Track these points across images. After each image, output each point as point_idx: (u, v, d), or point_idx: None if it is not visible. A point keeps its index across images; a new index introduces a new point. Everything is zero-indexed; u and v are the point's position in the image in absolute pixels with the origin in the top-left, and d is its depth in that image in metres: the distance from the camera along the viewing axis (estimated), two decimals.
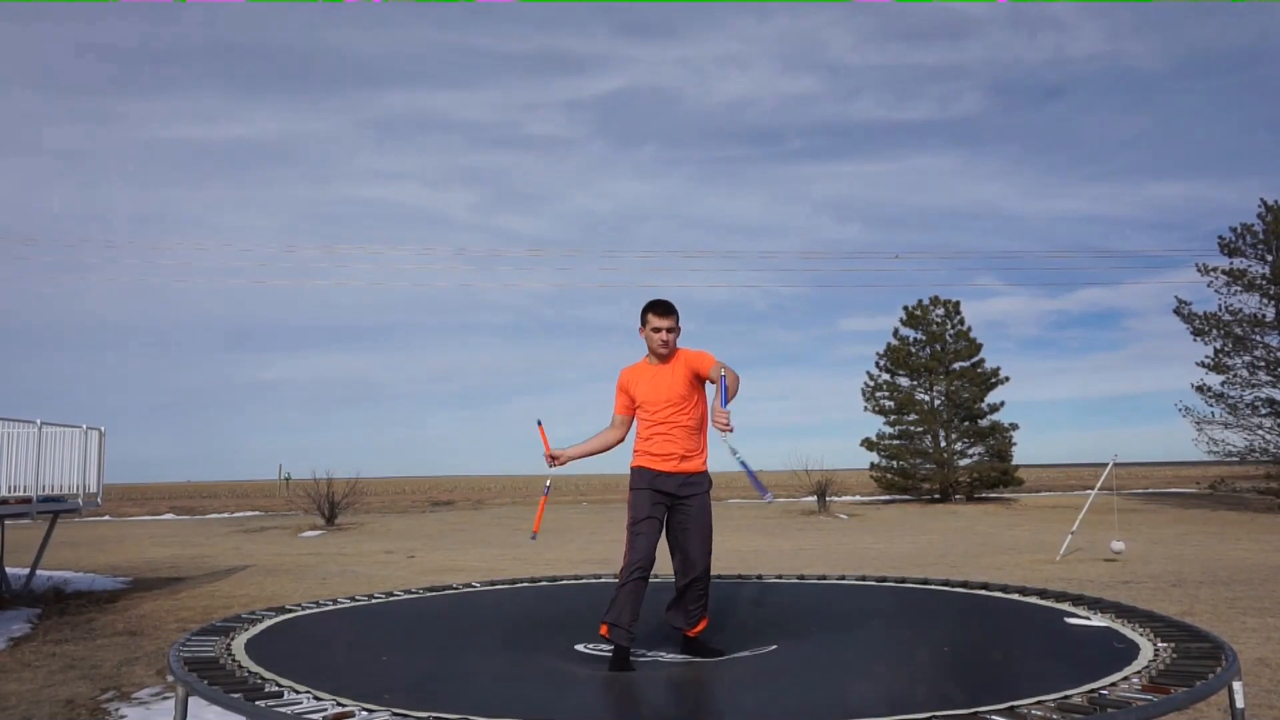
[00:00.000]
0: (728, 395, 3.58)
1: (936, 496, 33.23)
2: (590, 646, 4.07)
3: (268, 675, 3.13)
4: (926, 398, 34.43)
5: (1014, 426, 33.38)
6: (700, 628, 3.98)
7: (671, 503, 3.93)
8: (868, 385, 34.99)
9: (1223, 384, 28.41)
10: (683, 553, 3.92)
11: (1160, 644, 3.40)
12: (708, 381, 3.95)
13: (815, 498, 29.25)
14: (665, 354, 3.95)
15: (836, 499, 31.68)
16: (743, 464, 3.65)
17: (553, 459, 4.15)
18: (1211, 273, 28.47)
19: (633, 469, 4.01)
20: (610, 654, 3.71)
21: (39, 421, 11.05)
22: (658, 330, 3.93)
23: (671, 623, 4.00)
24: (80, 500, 11.67)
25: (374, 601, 5.17)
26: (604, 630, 3.74)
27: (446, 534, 22.97)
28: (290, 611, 4.70)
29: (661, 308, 3.96)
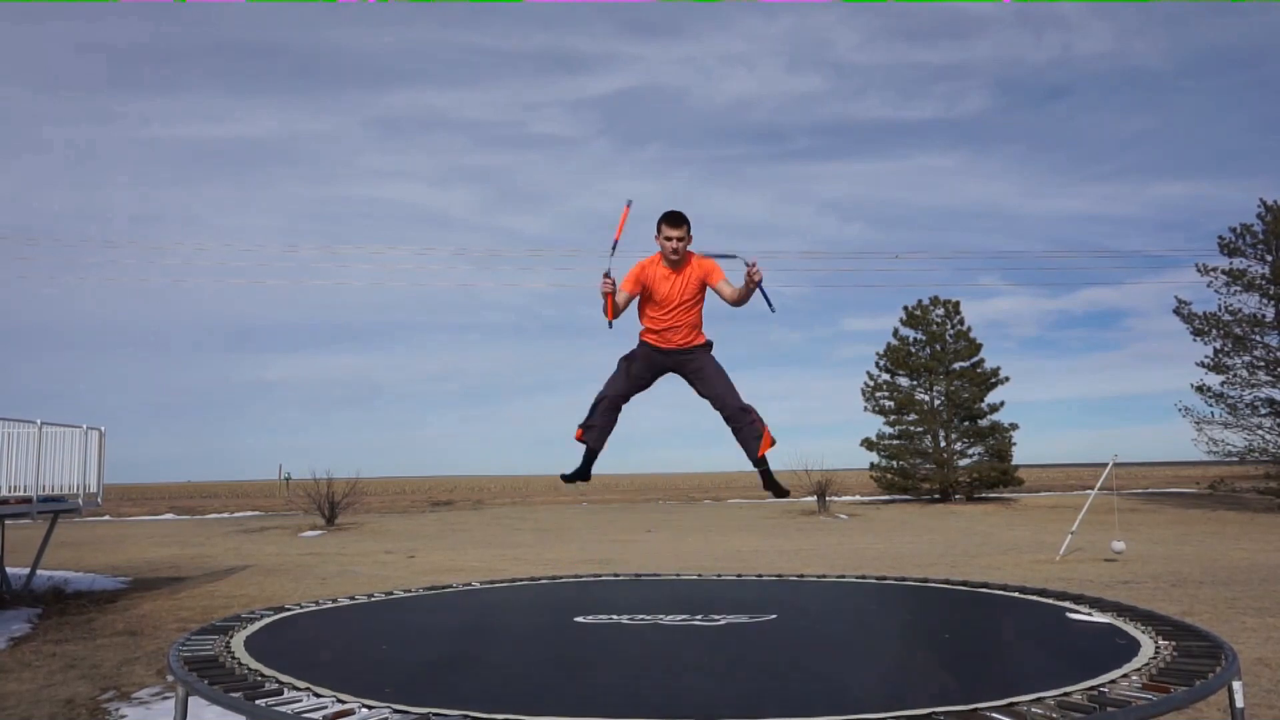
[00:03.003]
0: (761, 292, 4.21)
1: (936, 496, 33.22)
2: (588, 617, 4.24)
3: (268, 673, 3.13)
4: (926, 398, 34.42)
5: (1014, 426, 33.39)
6: (766, 446, 4.38)
7: (677, 363, 4.45)
8: (868, 385, 35.00)
9: (1222, 384, 28.43)
10: (712, 397, 4.41)
11: (1160, 643, 3.41)
12: (715, 288, 4.40)
13: (815, 498, 29.25)
14: (677, 260, 4.31)
15: (836, 499, 31.67)
16: (762, 289, 4.20)
17: (608, 275, 4.30)
18: (1211, 273, 28.49)
19: (640, 340, 4.50)
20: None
21: (39, 421, 11.05)
22: (669, 239, 4.28)
23: (748, 455, 4.44)
24: (80, 500, 11.66)
25: (374, 601, 5.18)
26: (579, 434, 4.41)
27: (446, 534, 22.97)
28: (290, 611, 4.71)
29: (673, 218, 4.30)
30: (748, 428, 4.39)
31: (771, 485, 4.64)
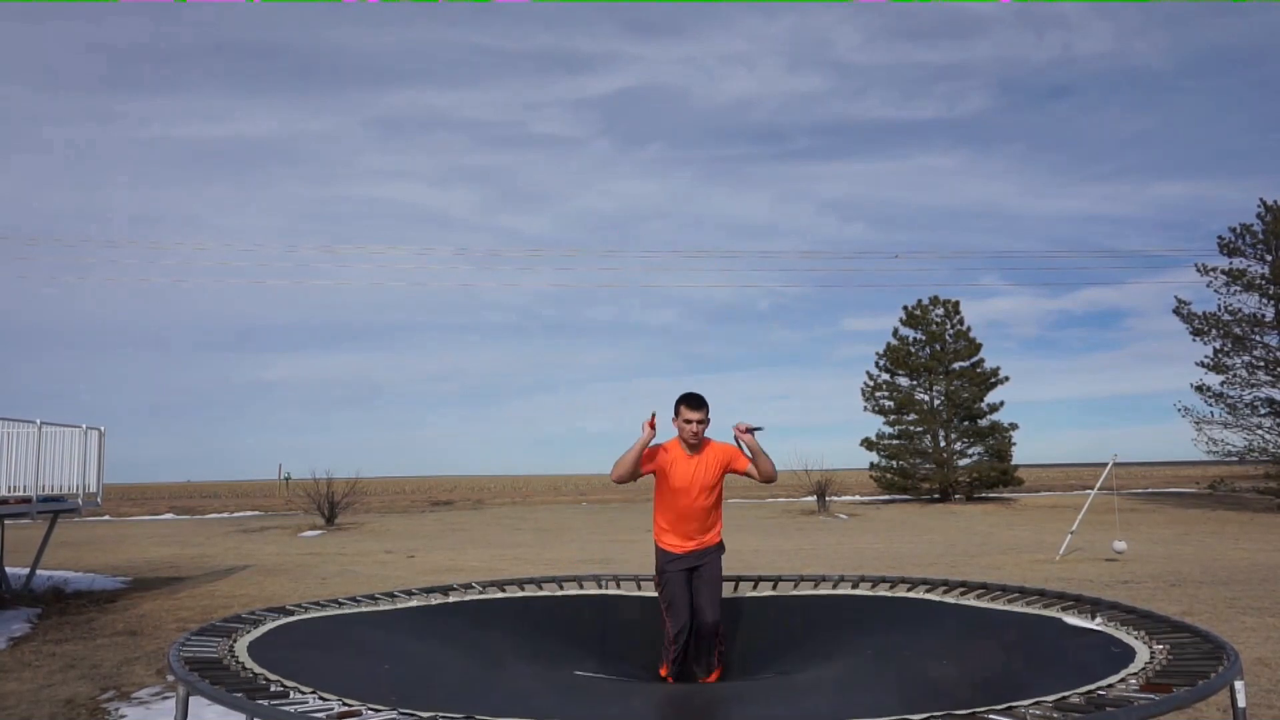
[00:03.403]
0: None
1: (936, 496, 33.22)
2: (589, 670, 4.23)
3: (272, 677, 3.13)
4: (926, 398, 34.43)
5: (1014, 426, 33.41)
6: (715, 676, 4.27)
7: (693, 568, 4.37)
8: (867, 385, 35.00)
9: (1222, 384, 28.44)
10: (695, 606, 4.30)
11: (1160, 644, 3.41)
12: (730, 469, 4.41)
13: (815, 498, 29.25)
14: (696, 444, 4.30)
15: (836, 499, 31.68)
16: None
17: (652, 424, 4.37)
18: (1211, 273, 28.50)
19: (658, 548, 4.44)
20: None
21: (39, 421, 11.05)
22: (689, 422, 4.27)
23: (694, 669, 4.32)
24: (80, 500, 11.66)
25: (372, 600, 5.17)
26: (663, 671, 4.26)
27: (446, 534, 22.97)
28: (290, 612, 4.71)
29: (694, 401, 4.29)
30: (708, 652, 4.28)
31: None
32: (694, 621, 4.26)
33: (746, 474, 4.36)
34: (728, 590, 5.08)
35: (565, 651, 4.34)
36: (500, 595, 5.10)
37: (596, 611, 4.78)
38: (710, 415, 4.34)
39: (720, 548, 4.47)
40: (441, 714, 2.56)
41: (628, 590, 5.10)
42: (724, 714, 3.08)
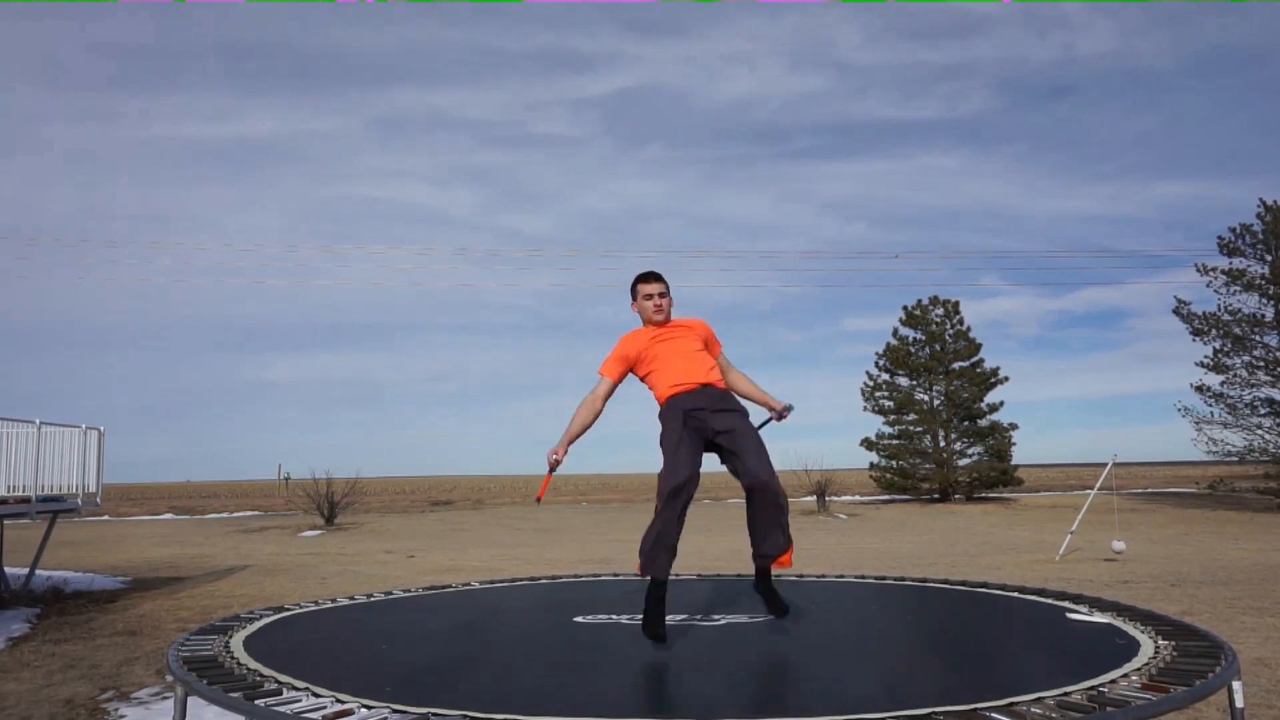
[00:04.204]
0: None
1: (936, 496, 33.22)
2: (587, 617, 4.18)
3: (266, 673, 3.13)
4: (926, 398, 34.43)
5: (1013, 426, 33.43)
6: (789, 557, 3.72)
7: (712, 416, 3.59)
8: (867, 385, 35.01)
9: (1222, 384, 28.46)
10: (742, 468, 3.52)
11: (1160, 643, 3.40)
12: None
13: (815, 498, 29.24)
14: (661, 319, 3.82)
15: (836, 499, 31.68)
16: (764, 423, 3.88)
17: (553, 465, 3.84)
18: (1211, 273, 28.51)
19: (663, 404, 3.71)
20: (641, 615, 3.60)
21: (38, 421, 11.05)
22: (649, 297, 3.80)
23: (758, 554, 3.71)
24: (80, 500, 11.66)
25: (373, 601, 5.17)
26: (640, 568, 3.53)
27: (446, 534, 22.97)
28: (289, 610, 4.71)
29: (650, 275, 3.86)
30: (774, 521, 3.61)
31: (774, 600, 3.93)
32: (747, 485, 3.50)
33: (718, 367, 3.81)
34: (726, 584, 5.08)
35: (565, 625, 4.34)
36: (501, 584, 5.10)
37: (597, 588, 4.79)
38: (671, 291, 3.82)
39: (740, 406, 3.74)
40: (434, 712, 2.56)
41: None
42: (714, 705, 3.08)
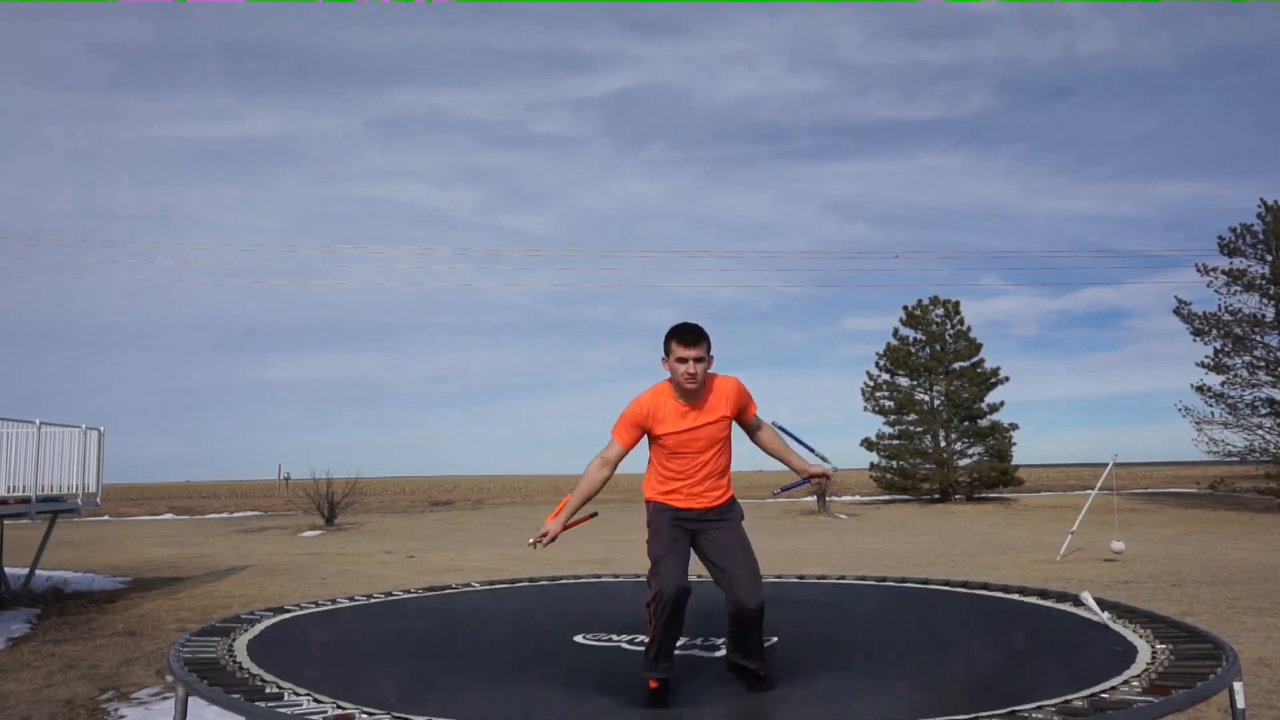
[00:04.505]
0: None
1: (936, 496, 33.21)
2: (588, 637, 4.08)
3: (269, 677, 3.12)
4: (926, 398, 34.42)
5: (1014, 426, 33.40)
6: (758, 674, 3.34)
7: (699, 528, 3.37)
8: (867, 385, 34.99)
9: (1223, 384, 28.43)
10: (728, 581, 3.28)
11: (1160, 645, 3.40)
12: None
13: (815, 498, 29.24)
14: (693, 389, 3.28)
15: (836, 499, 31.67)
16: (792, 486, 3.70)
17: (540, 537, 3.47)
18: (1211, 273, 28.50)
19: (648, 503, 3.47)
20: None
21: (38, 421, 11.04)
22: (683, 361, 3.23)
23: (736, 659, 3.37)
24: (80, 500, 11.66)
25: (373, 602, 5.17)
26: (654, 684, 3.19)
27: (446, 534, 22.96)
28: (289, 612, 4.70)
29: (688, 335, 3.26)
30: (754, 637, 3.26)
31: (741, 672, 3.36)
32: (735, 609, 3.22)
33: (748, 428, 3.47)
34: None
35: (565, 627, 4.30)
36: (501, 585, 5.09)
37: (598, 593, 4.77)
38: (712, 351, 3.33)
39: (736, 507, 3.46)
40: (434, 719, 2.55)
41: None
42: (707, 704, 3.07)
